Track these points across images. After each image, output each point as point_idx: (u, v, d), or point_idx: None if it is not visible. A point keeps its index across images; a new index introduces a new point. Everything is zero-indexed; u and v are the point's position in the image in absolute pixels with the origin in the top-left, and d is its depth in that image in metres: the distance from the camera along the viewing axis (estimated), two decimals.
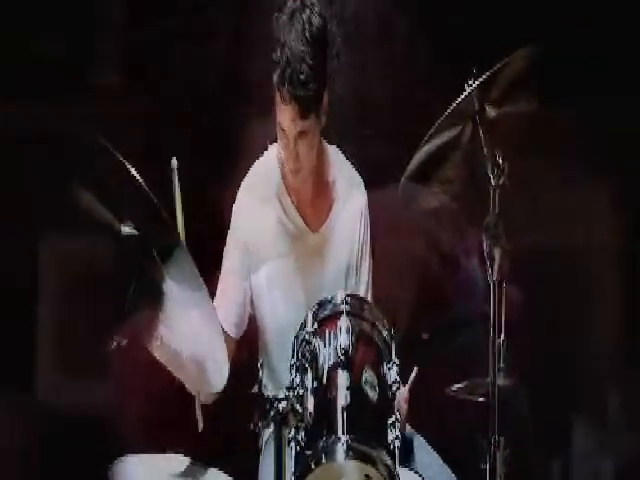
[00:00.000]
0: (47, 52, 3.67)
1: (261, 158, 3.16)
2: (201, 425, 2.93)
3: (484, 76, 2.63)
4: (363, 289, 3.13)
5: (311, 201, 3.11)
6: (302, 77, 2.81)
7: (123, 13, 3.77)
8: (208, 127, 3.75)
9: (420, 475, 2.82)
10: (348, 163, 3.21)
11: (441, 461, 2.98)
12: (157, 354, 2.63)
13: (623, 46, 3.65)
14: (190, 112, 3.73)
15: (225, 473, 2.89)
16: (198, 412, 2.93)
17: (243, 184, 3.13)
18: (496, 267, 2.61)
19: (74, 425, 3.42)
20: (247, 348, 3.14)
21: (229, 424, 3.02)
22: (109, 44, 3.78)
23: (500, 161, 2.62)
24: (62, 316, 3.63)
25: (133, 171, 2.39)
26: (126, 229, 2.51)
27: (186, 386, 2.87)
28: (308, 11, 2.86)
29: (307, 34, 2.83)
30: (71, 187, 2.50)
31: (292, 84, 2.82)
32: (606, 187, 3.77)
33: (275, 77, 2.85)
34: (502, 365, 2.88)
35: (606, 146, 3.67)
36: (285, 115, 2.88)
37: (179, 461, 2.90)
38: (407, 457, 2.91)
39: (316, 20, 2.87)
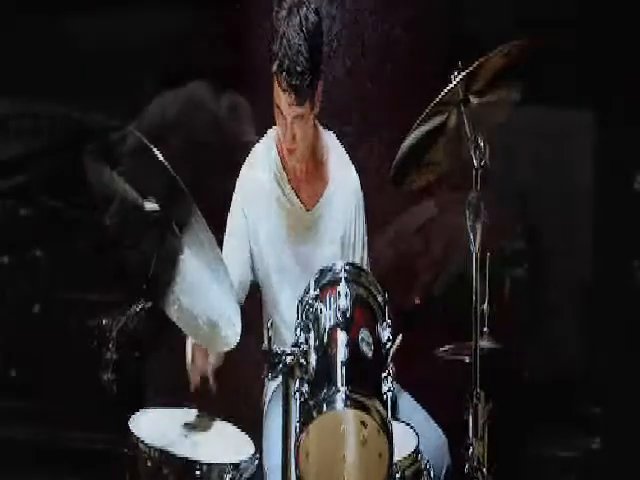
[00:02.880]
0: None
1: (261, 140, 3.35)
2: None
3: (469, 69, 2.82)
4: (357, 262, 3.28)
5: (306, 181, 3.30)
6: (299, 68, 3.02)
7: None
8: None
9: (410, 426, 3.01)
10: (341, 147, 3.37)
11: (430, 418, 3.18)
12: (175, 318, 2.81)
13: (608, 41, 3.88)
14: None
15: (233, 424, 3.09)
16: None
17: (246, 162, 3.33)
18: (478, 239, 2.82)
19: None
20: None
21: (236, 379, 3.23)
22: None
23: (482, 144, 2.81)
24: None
25: (156, 150, 2.60)
26: (148, 204, 2.71)
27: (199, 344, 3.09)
28: (305, 8, 3.06)
29: (304, 28, 3.03)
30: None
31: (289, 74, 3.02)
32: None
33: (274, 66, 3.05)
34: (485, 329, 3.11)
35: None
36: (283, 100, 3.09)
37: (191, 414, 3.09)
38: (395, 413, 3.08)
39: (312, 16, 3.06)
